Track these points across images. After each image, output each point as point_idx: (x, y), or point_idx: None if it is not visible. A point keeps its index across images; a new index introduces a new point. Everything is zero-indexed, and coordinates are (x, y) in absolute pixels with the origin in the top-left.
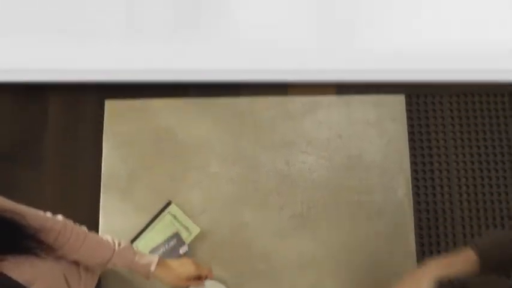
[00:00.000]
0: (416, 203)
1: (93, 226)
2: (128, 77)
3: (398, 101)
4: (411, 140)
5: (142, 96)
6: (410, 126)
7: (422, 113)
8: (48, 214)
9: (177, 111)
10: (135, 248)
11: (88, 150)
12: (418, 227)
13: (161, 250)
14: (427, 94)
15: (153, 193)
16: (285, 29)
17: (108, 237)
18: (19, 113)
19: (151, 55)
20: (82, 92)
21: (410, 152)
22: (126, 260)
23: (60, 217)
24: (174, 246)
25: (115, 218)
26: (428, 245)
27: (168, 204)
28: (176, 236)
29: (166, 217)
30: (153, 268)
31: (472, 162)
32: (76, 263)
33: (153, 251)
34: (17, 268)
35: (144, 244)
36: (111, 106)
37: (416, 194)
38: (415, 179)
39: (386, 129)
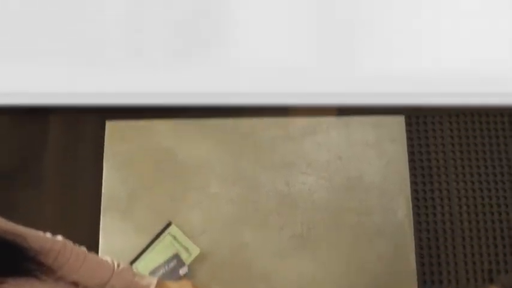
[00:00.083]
0: (417, 222)
1: (93, 246)
2: (128, 100)
3: (397, 122)
4: (411, 160)
5: (143, 116)
6: (411, 146)
7: (422, 132)
8: (48, 235)
9: (177, 132)
10: (134, 270)
11: (88, 170)
12: (419, 246)
13: (161, 271)
14: (427, 114)
15: (153, 213)
16: (285, 52)
17: (107, 258)
18: (19, 131)
19: (151, 78)
20: (83, 112)
21: (410, 171)
22: (126, 281)
23: (59, 237)
24: (174, 267)
25: (115, 239)
26: (429, 265)
27: (168, 225)
28: (176, 257)
29: (166, 238)
30: None
31: (472, 182)
32: (75, 285)
33: (153, 272)
34: None
35: (144, 265)
36: (111, 127)
37: (416, 214)
38: (415, 198)
39: (385, 150)
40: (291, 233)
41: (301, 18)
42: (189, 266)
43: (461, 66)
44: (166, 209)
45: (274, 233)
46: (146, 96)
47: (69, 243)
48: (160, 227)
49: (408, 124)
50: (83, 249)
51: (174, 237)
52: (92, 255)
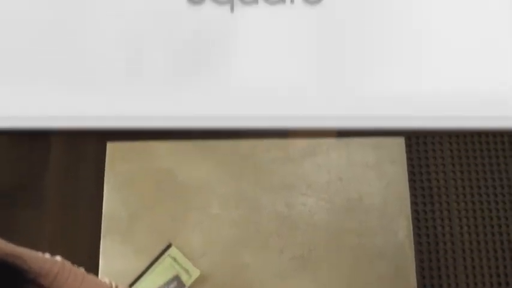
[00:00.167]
0: (418, 243)
1: (93, 267)
2: (128, 123)
3: (397, 144)
4: (411, 180)
5: (144, 137)
6: (411, 166)
7: (422, 153)
8: (47, 255)
9: (178, 153)
10: None
11: (89, 190)
12: (420, 267)
13: None
14: (427, 135)
15: (153, 234)
16: (285, 75)
17: (106, 280)
18: (20, 151)
19: (151, 102)
20: (84, 133)
21: (410, 192)
22: None
23: (58, 258)
24: None
25: (115, 260)
26: (430, 286)
27: (168, 246)
28: (176, 278)
29: (166, 260)
30: None
31: (473, 202)
32: None
33: None
34: None
35: (144, 287)
36: (112, 148)
37: (417, 234)
38: (415, 219)
39: (385, 171)
40: (292, 254)
41: (301, 43)
42: None
43: (461, 90)
44: (167, 230)
45: (274, 255)
46: (146, 120)
47: (68, 264)
48: (161, 249)
49: (408, 145)
50: (82, 270)
51: (174, 259)
52: (90, 276)
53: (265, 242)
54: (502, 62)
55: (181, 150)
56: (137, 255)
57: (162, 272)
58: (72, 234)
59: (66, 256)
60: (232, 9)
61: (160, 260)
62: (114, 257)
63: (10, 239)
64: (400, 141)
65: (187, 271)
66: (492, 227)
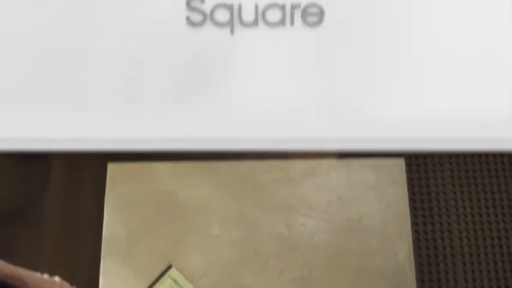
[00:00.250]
0: (418, 264)
1: None
2: (128, 145)
3: (397, 165)
4: (412, 200)
5: (145, 158)
6: (411, 186)
7: (423, 173)
8: (45, 276)
9: (178, 174)
10: None
11: (89, 211)
12: None
13: None
14: (427, 155)
15: (153, 256)
16: (285, 97)
17: None
18: (20, 171)
19: (151, 124)
20: (84, 153)
21: (411, 212)
22: None
23: (56, 278)
24: None
25: (115, 281)
26: None
27: (169, 268)
28: None
29: (166, 281)
30: None
31: (474, 223)
32: None
33: None
34: None
35: None
36: (113, 169)
37: (418, 255)
38: (416, 239)
39: (385, 192)
40: (292, 275)
41: (301, 65)
42: None
43: (461, 111)
44: (167, 251)
45: (275, 276)
46: (146, 142)
47: (66, 285)
48: (161, 270)
49: (408, 165)
50: None
51: (175, 281)
52: None
53: (266, 263)
54: (502, 85)
55: (181, 171)
56: (137, 276)
57: None
58: (72, 254)
59: (66, 277)
60: (232, 31)
61: (160, 281)
62: (114, 278)
63: (10, 258)
64: (400, 162)
65: None
66: (493, 247)
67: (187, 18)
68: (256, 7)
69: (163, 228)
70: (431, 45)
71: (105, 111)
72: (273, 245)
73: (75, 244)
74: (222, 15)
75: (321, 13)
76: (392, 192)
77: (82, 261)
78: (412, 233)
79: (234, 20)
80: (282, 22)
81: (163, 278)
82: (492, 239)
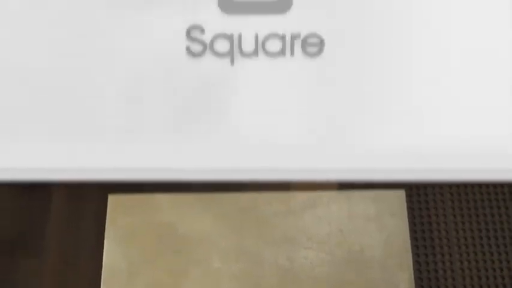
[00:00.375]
0: None
1: None
2: (128, 175)
3: (397, 196)
4: (412, 231)
5: (145, 189)
6: (412, 217)
7: (423, 203)
8: None
9: (179, 206)
10: None
11: (90, 241)
12: None
13: None
14: (427, 185)
15: None
16: (285, 127)
17: None
18: (21, 201)
19: (151, 154)
20: (85, 184)
21: (412, 243)
22: None
23: None
24: None
25: None
26: None
27: None
28: None
29: None
30: None
31: (475, 253)
32: None
33: None
34: None
35: None
36: (114, 200)
37: (419, 286)
38: (417, 270)
39: (386, 224)
40: None
41: (301, 95)
42: None
43: (462, 142)
44: (167, 283)
45: None
46: (146, 172)
47: None
48: None
49: (409, 195)
50: None
51: None
52: None
53: None
54: (503, 115)
55: (182, 202)
56: None
57: None
58: (72, 285)
59: None
60: (232, 62)
61: None
62: None
63: None
64: (401, 194)
65: None
66: (495, 278)
67: (187, 48)
68: (256, 37)
69: (164, 260)
70: (432, 76)
71: (105, 141)
72: (275, 278)
73: (76, 274)
74: (222, 46)
75: (321, 43)
76: (393, 224)
77: None
78: (413, 264)
79: (234, 50)
80: (282, 52)
81: None
82: (494, 270)
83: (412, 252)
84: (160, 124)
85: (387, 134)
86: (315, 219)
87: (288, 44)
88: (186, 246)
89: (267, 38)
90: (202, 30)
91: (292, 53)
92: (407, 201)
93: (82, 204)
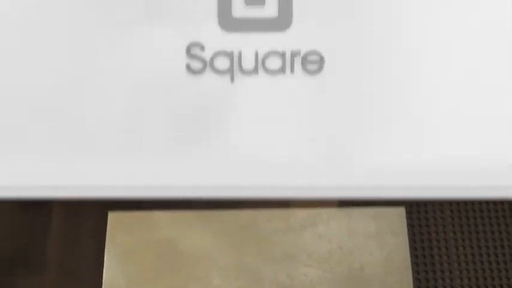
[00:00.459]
0: None
1: None
2: (127, 193)
3: (398, 214)
4: (412, 249)
5: (145, 206)
6: (412, 234)
7: (423, 220)
8: None
9: (179, 223)
10: None
11: (90, 258)
12: None
13: None
14: (427, 203)
15: None
16: (285, 145)
17: None
18: (22, 218)
19: (150, 172)
20: (85, 201)
21: (412, 260)
22: None
23: None
24: None
25: None
26: None
27: None
28: None
29: None
30: None
31: (475, 270)
32: None
33: None
34: None
35: None
36: (114, 218)
37: None
38: (417, 287)
39: (386, 241)
40: None
41: (301, 112)
42: None
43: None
44: None
45: None
46: (146, 190)
47: None
48: None
49: (409, 213)
50: None
51: None
52: None
53: None
54: (502, 133)
55: (182, 220)
56: None
57: None
58: None
59: None
60: (232, 79)
61: None
62: None
63: None
64: (401, 211)
65: None
66: None
67: (187, 66)
68: (256, 55)
69: (164, 277)
70: (433, 93)
71: (105, 159)
72: None
73: None
74: (222, 63)
75: (321, 61)
76: (393, 241)
77: None
78: (414, 281)
79: (234, 68)
80: (282, 70)
81: None
82: (494, 287)
83: (412, 269)
84: (160, 141)
85: (387, 152)
86: (315, 236)
87: (288, 62)
88: (185, 263)
89: (267, 55)
90: (202, 48)
91: (292, 70)
92: (407, 219)
93: (82, 222)
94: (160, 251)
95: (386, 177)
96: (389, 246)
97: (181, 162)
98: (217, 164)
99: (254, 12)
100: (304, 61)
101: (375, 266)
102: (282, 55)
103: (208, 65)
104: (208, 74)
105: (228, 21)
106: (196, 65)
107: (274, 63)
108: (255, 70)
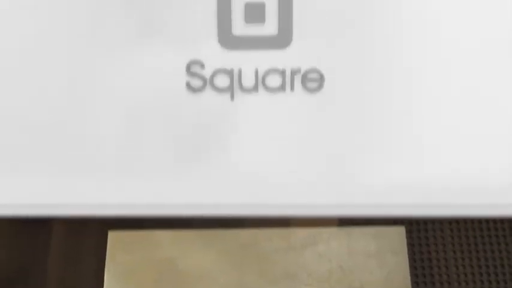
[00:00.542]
0: None
1: None
2: (128, 211)
3: (398, 233)
4: (413, 267)
5: (146, 225)
6: (412, 253)
7: (423, 239)
8: None
9: (179, 242)
10: None
11: (90, 277)
12: None
13: None
14: (427, 221)
15: None
16: (285, 163)
17: None
18: (21, 236)
19: (150, 190)
20: (85, 220)
21: (412, 279)
22: None
23: None
24: None
25: None
26: None
27: None
28: None
29: None
30: None
31: None
32: None
33: None
34: None
35: None
36: (114, 237)
37: None
38: None
39: (386, 260)
40: None
41: (301, 130)
42: None
43: (461, 178)
44: None
45: None
46: (145, 207)
47: None
48: None
49: (409, 231)
50: None
51: None
52: None
53: None
54: (503, 151)
55: (182, 239)
56: None
57: None
58: None
59: None
60: (232, 97)
61: None
62: None
63: None
64: (401, 230)
65: None
66: None
67: (187, 84)
68: (256, 72)
69: None
70: (432, 112)
71: (105, 177)
72: None
73: None
74: (222, 81)
75: (321, 79)
76: (393, 260)
77: None
78: None
79: (234, 85)
80: (282, 88)
81: None
82: None
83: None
84: (160, 159)
85: (387, 170)
86: (315, 255)
87: (288, 79)
88: (186, 283)
89: (267, 73)
90: (202, 66)
91: (292, 88)
92: (407, 238)
93: (82, 240)
94: (160, 270)
95: (386, 195)
96: (389, 265)
97: (182, 180)
98: (217, 182)
99: (254, 30)
100: (305, 79)
101: (375, 285)
102: (282, 73)
103: (208, 82)
104: (209, 92)
105: (228, 39)
106: (196, 83)
107: (274, 81)
108: (255, 88)
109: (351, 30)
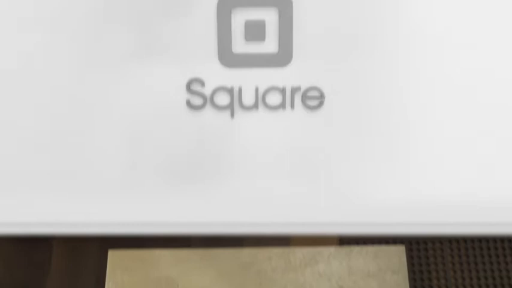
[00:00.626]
0: None
1: None
2: (127, 230)
3: (398, 252)
4: (413, 286)
5: (145, 245)
6: (412, 272)
7: (423, 259)
8: None
9: (179, 262)
10: None
11: None
12: None
13: None
14: (427, 240)
15: None
16: (285, 181)
17: None
18: (21, 254)
19: (150, 209)
20: (86, 238)
21: None
22: None
23: None
24: None
25: None
26: None
27: None
28: None
29: None
30: None
31: None
32: None
33: None
34: None
35: None
36: (114, 256)
37: None
38: None
39: (386, 280)
40: None
41: (301, 148)
42: None
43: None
44: None
45: None
46: (144, 226)
47: None
48: None
49: (409, 250)
50: None
51: None
52: None
53: None
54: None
55: (182, 258)
56: None
57: None
58: None
59: None
60: (232, 115)
61: None
62: None
63: None
64: (401, 250)
65: None
66: None
67: (188, 102)
68: (257, 90)
69: None
70: (433, 131)
71: (105, 196)
72: None
73: None
74: (222, 99)
75: (321, 97)
76: (393, 279)
77: None
78: None
79: (234, 103)
80: (282, 105)
81: None
82: None
83: None
84: (160, 177)
85: (388, 189)
86: (315, 275)
87: (288, 97)
88: None
89: (267, 91)
90: (202, 84)
91: (292, 106)
92: (407, 257)
93: (82, 259)
94: None
95: (386, 214)
96: (389, 284)
97: (182, 198)
98: (217, 200)
99: (254, 48)
100: (305, 97)
101: None
102: (282, 91)
103: (208, 100)
104: (209, 110)
105: (228, 57)
106: (196, 100)
107: (274, 98)
108: (255, 106)
109: (351, 49)
